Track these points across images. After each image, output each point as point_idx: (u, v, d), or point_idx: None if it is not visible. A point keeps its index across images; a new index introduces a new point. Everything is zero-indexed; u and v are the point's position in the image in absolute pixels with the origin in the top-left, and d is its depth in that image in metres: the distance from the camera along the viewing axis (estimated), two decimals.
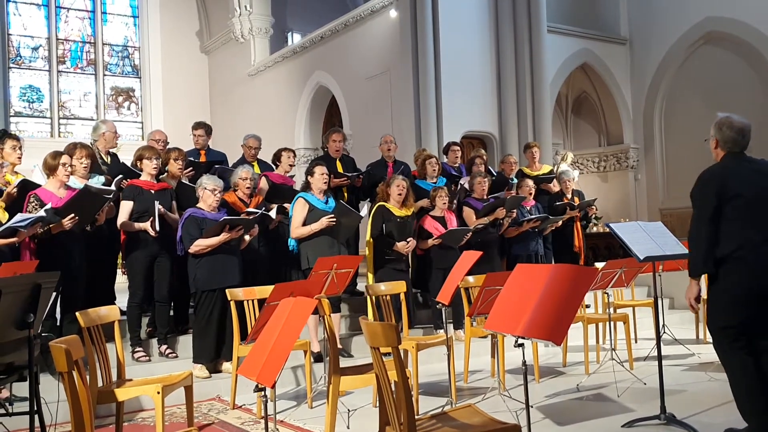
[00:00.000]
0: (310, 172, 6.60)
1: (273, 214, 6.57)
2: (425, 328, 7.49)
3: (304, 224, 6.46)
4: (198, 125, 8.01)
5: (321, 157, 8.31)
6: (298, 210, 6.50)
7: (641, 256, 4.69)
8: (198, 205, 6.04)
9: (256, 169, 7.53)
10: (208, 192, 5.99)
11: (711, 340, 7.59)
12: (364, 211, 6.93)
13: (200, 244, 5.82)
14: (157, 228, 5.96)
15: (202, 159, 7.69)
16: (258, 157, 7.82)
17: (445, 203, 7.35)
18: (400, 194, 6.88)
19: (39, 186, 5.73)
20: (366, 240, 7.05)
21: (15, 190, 5.70)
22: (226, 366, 6.01)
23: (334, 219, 6.40)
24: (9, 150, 5.96)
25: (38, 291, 3.71)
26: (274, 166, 7.58)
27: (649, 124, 13.82)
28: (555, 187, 9.21)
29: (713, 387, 5.67)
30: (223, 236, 5.82)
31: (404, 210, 6.95)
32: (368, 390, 5.32)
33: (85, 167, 5.98)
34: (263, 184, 7.21)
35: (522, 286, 3.34)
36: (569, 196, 8.87)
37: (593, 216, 9.31)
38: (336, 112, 14.50)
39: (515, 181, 8.72)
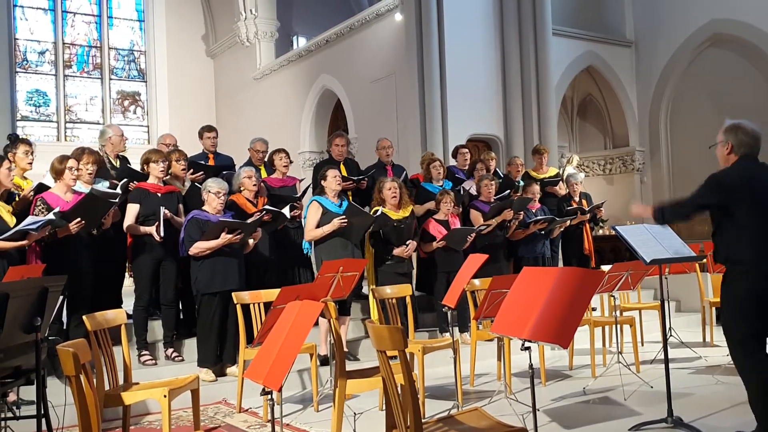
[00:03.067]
0: (323, 176, 6.62)
1: (287, 211, 6.57)
2: (431, 332, 7.48)
3: (318, 227, 6.48)
4: (211, 128, 8.08)
5: (325, 160, 8.32)
6: (312, 213, 6.53)
7: (648, 259, 4.68)
8: (203, 208, 6.06)
9: (263, 173, 7.55)
10: (213, 195, 6.01)
11: (717, 343, 7.62)
12: (377, 213, 6.92)
13: (199, 247, 5.83)
14: (162, 233, 5.97)
15: (211, 163, 7.71)
16: (265, 160, 7.83)
17: (449, 208, 7.35)
18: (394, 197, 6.88)
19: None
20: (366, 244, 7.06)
21: (31, 193, 5.73)
22: (232, 369, 6.02)
23: (346, 220, 6.42)
24: (21, 155, 5.99)
25: (45, 294, 3.72)
26: (271, 170, 7.59)
27: (655, 127, 13.79)
28: (561, 190, 9.21)
29: (721, 390, 5.66)
30: (222, 239, 5.82)
31: (401, 212, 6.94)
32: (374, 393, 5.32)
33: (90, 173, 5.97)
34: (262, 191, 7.24)
35: (528, 290, 3.34)
36: (577, 198, 8.87)
37: (600, 218, 9.31)
38: (341, 115, 14.51)
39: (522, 183, 8.72)
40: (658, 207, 4.59)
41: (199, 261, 5.90)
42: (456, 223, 7.42)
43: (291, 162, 7.78)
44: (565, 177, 9.43)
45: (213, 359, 5.98)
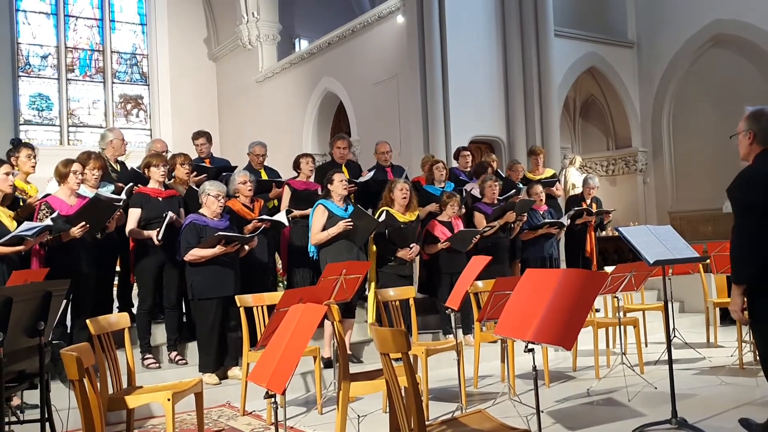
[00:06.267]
0: (329, 180, 6.63)
1: (283, 218, 6.56)
2: (434, 333, 7.48)
3: (323, 231, 6.49)
4: (198, 135, 8.02)
5: (327, 162, 8.33)
6: (317, 217, 6.54)
7: (651, 260, 4.68)
8: (201, 211, 6.05)
9: (264, 176, 7.55)
10: (212, 198, 5.99)
11: (721, 344, 7.60)
12: (381, 217, 6.92)
13: (195, 254, 5.83)
14: (161, 238, 5.98)
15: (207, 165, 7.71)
16: (265, 164, 7.83)
17: (455, 210, 7.36)
18: (404, 198, 6.89)
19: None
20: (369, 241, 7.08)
21: (37, 202, 5.74)
22: (235, 372, 6.02)
23: (351, 223, 6.43)
24: (24, 159, 6.02)
25: (49, 299, 3.73)
26: (296, 173, 7.61)
27: (658, 128, 13.77)
28: (558, 191, 9.24)
29: (724, 391, 5.65)
30: (219, 249, 5.81)
31: (408, 215, 6.95)
32: (378, 396, 5.31)
33: (96, 178, 6.02)
34: (285, 192, 7.25)
35: (532, 291, 3.33)
36: (588, 201, 8.92)
37: (608, 223, 9.35)
38: (343, 117, 14.51)
39: (522, 186, 8.73)
40: (741, 282, 3.79)
41: (195, 266, 5.90)
42: (459, 225, 7.42)
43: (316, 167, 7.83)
44: (570, 179, 9.44)
45: (212, 366, 5.97)
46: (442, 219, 7.38)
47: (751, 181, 3.77)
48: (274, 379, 3.09)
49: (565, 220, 8.46)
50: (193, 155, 7.80)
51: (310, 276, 7.13)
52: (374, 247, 7.02)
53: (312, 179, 7.59)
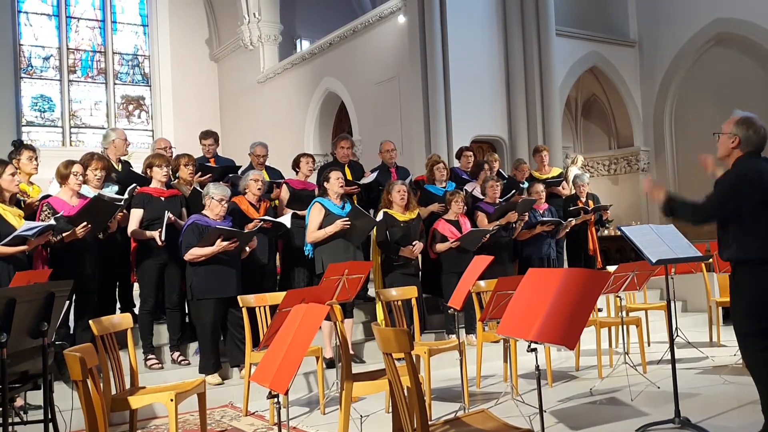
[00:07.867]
0: (326, 178, 6.65)
1: (287, 221, 6.56)
2: (437, 333, 7.48)
3: (320, 229, 6.48)
4: (207, 134, 8.03)
5: (330, 163, 8.34)
6: (314, 215, 6.54)
7: (653, 260, 4.67)
8: (203, 212, 6.05)
9: (265, 176, 7.55)
10: (216, 202, 5.99)
11: (724, 343, 7.60)
12: (379, 217, 6.93)
13: (194, 253, 5.82)
14: (163, 238, 5.98)
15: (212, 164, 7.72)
16: (266, 164, 7.83)
17: (460, 208, 7.37)
18: (402, 199, 6.93)
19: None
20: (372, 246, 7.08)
21: (37, 203, 5.75)
22: (235, 371, 6.02)
23: (349, 222, 6.43)
24: (25, 161, 6.02)
25: (52, 299, 3.73)
26: (294, 173, 7.61)
27: (660, 127, 13.77)
28: (564, 190, 9.21)
29: (728, 390, 5.64)
30: (217, 247, 5.80)
31: (408, 214, 6.98)
32: (381, 396, 5.32)
33: (99, 178, 6.03)
34: (284, 191, 7.25)
35: (534, 291, 3.33)
36: (583, 199, 8.88)
37: (606, 220, 9.32)
38: (345, 117, 14.52)
39: (526, 185, 8.72)
40: (668, 203, 4.35)
41: (195, 266, 5.89)
42: (466, 223, 7.43)
43: (316, 168, 7.83)
44: (571, 178, 9.43)
45: (212, 367, 5.97)
46: (449, 217, 7.39)
47: (745, 179, 3.96)
48: (277, 379, 3.09)
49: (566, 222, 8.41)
50: (197, 154, 7.82)
51: (307, 276, 7.13)
52: (379, 258, 7.02)
53: (311, 179, 7.60)
